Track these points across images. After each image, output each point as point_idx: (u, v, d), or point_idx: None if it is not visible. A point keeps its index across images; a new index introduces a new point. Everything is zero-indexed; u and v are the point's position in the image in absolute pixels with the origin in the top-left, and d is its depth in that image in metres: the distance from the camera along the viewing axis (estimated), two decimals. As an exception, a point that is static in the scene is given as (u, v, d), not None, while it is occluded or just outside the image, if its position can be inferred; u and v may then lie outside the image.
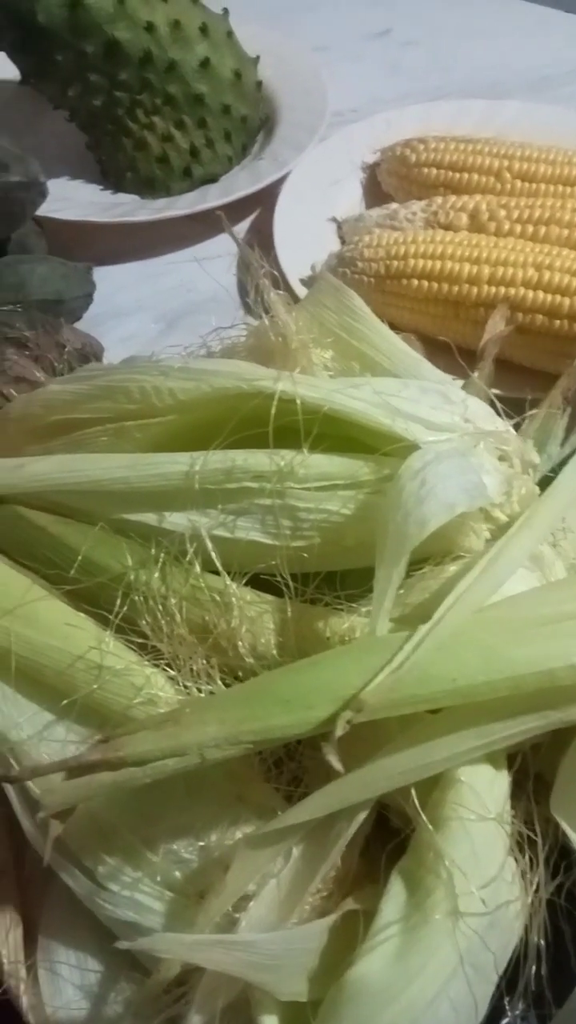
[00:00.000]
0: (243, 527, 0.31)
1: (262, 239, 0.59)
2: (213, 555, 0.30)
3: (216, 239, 0.60)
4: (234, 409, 0.32)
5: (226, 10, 0.60)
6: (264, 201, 0.60)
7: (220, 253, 0.59)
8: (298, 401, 0.30)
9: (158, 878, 0.27)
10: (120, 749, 0.22)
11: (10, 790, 0.29)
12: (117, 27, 0.53)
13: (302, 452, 0.30)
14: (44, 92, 0.58)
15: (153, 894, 0.27)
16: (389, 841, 0.28)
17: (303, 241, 0.54)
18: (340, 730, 0.22)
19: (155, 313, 0.56)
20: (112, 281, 0.55)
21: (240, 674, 0.29)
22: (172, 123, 0.58)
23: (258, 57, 0.62)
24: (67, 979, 0.28)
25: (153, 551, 0.31)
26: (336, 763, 0.22)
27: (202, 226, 0.60)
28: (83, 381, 0.35)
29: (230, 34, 0.59)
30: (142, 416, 0.33)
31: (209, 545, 0.30)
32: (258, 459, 0.31)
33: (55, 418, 0.36)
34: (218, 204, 0.57)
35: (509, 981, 0.27)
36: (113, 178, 0.62)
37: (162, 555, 0.31)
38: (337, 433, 0.31)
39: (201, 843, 0.27)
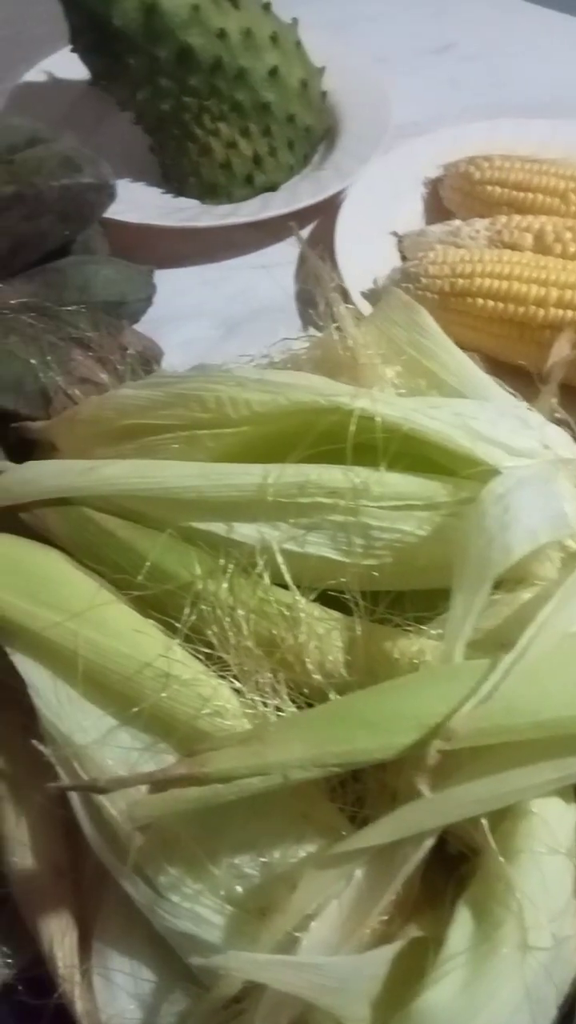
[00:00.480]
0: (314, 542, 0.31)
1: (322, 249, 0.59)
2: (283, 569, 0.30)
3: (275, 247, 0.60)
4: (309, 423, 0.32)
5: (295, 20, 0.60)
6: (324, 211, 0.60)
7: (280, 261, 0.59)
8: (377, 419, 0.30)
9: (220, 892, 0.27)
10: (205, 765, 0.22)
11: (72, 793, 0.29)
12: (190, 33, 0.54)
13: (378, 470, 0.30)
14: (113, 94, 0.58)
15: (214, 907, 0.27)
16: (447, 865, 0.28)
17: (364, 254, 0.54)
18: (432, 759, 0.22)
19: (214, 319, 0.56)
20: (171, 285, 0.55)
21: (306, 691, 0.29)
22: (238, 130, 0.58)
23: (324, 67, 0.62)
24: (121, 987, 0.28)
25: (222, 561, 0.31)
26: (427, 791, 0.22)
27: (261, 234, 0.60)
28: (157, 387, 0.35)
29: (299, 44, 0.59)
30: (215, 425, 0.33)
31: (279, 559, 0.30)
32: (332, 475, 0.31)
33: (126, 422, 0.36)
34: (281, 213, 0.57)
35: (564, 1016, 0.27)
36: (175, 182, 0.62)
37: (231, 566, 0.31)
38: (413, 453, 0.31)
39: (264, 859, 0.27)
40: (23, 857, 0.30)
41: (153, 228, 0.57)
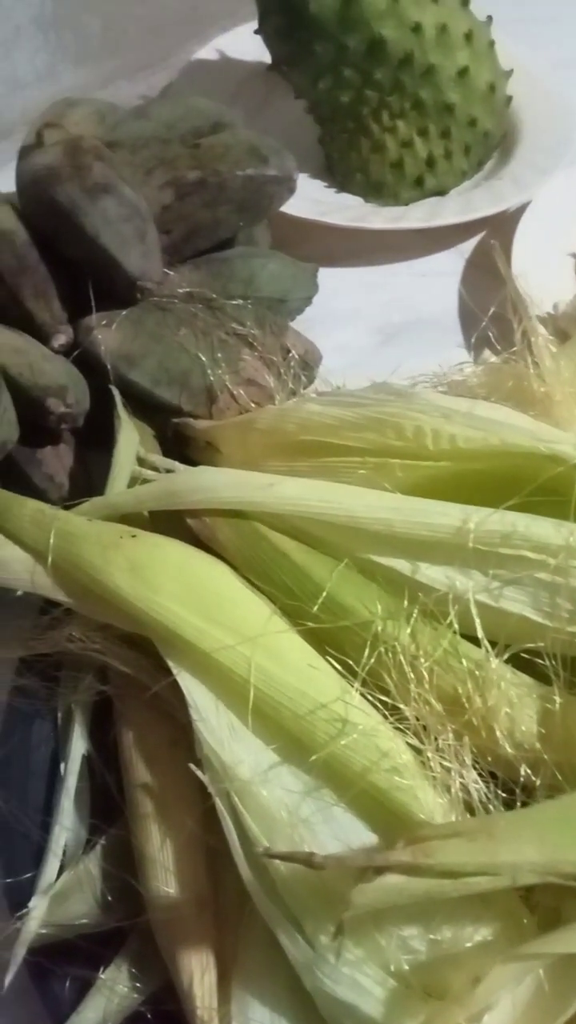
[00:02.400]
0: (512, 598, 0.29)
1: (489, 263, 0.56)
2: (477, 622, 0.28)
3: (439, 256, 0.57)
4: (518, 468, 0.30)
5: (490, 18, 0.57)
6: (492, 222, 0.57)
7: (442, 271, 0.56)
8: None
9: (385, 963, 0.25)
10: (431, 856, 0.20)
11: (227, 821, 0.27)
12: (385, 24, 0.51)
13: (598, 532, 0.28)
14: (292, 81, 0.56)
15: (375, 978, 0.25)
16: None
17: (541, 275, 0.51)
18: None
19: (371, 325, 0.54)
20: (327, 284, 0.52)
21: (490, 758, 0.27)
22: (415, 129, 0.56)
23: (511, 71, 0.59)
24: (261, 1040, 0.27)
25: (406, 603, 0.29)
26: None
27: (425, 239, 0.57)
28: (348, 407, 0.33)
29: (492, 44, 0.56)
30: (410, 456, 0.31)
31: (474, 611, 0.28)
32: (544, 529, 0.28)
33: (306, 438, 0.34)
34: (455, 222, 0.54)
35: None
36: (340, 176, 0.60)
37: (415, 610, 0.29)
38: None
39: (434, 936, 0.25)
40: (166, 883, 0.29)
41: (315, 223, 0.55)
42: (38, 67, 0.62)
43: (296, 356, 0.45)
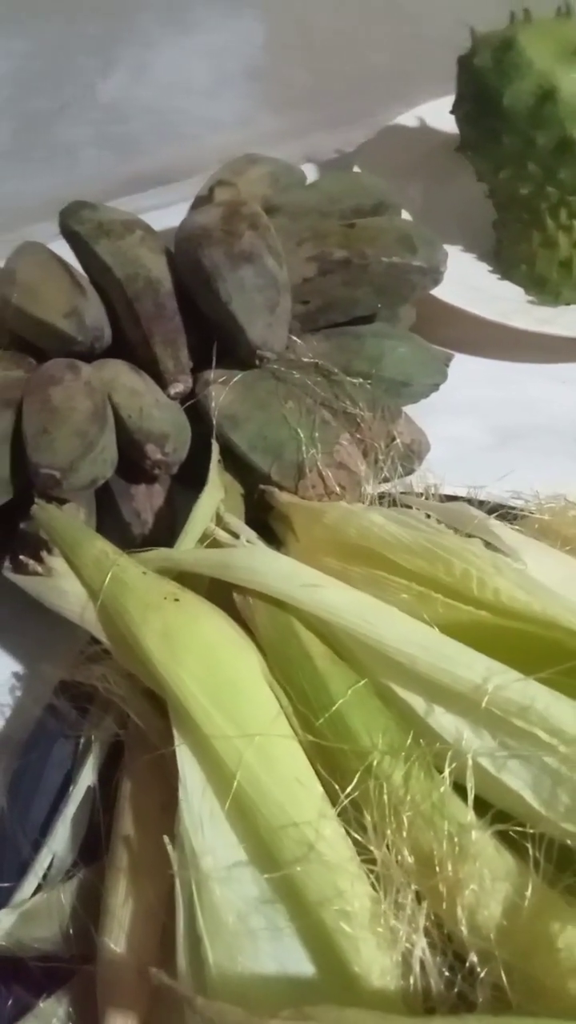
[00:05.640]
0: (514, 773, 0.27)
1: None
2: (470, 785, 0.27)
3: (582, 363, 0.55)
4: (558, 640, 0.28)
5: None
6: None
7: (581, 380, 0.54)
8: None
9: None
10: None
11: (180, 908, 0.28)
12: (578, 126, 0.50)
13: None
14: (475, 164, 0.56)
15: None
16: None
17: None
18: None
19: (489, 423, 0.52)
20: (456, 372, 0.51)
21: (445, 931, 0.26)
22: (591, 232, 0.54)
23: None
24: None
25: (408, 743, 0.29)
26: None
27: (568, 343, 0.55)
28: (409, 528, 0.33)
29: None
30: (453, 595, 0.31)
31: (469, 772, 0.27)
32: (564, 713, 0.27)
33: (365, 545, 0.34)
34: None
35: None
36: (504, 263, 0.59)
37: (414, 755, 0.29)
38: None
39: None
40: (117, 941, 0.30)
41: (460, 310, 0.55)
42: (239, 111, 0.65)
43: (400, 445, 0.45)
